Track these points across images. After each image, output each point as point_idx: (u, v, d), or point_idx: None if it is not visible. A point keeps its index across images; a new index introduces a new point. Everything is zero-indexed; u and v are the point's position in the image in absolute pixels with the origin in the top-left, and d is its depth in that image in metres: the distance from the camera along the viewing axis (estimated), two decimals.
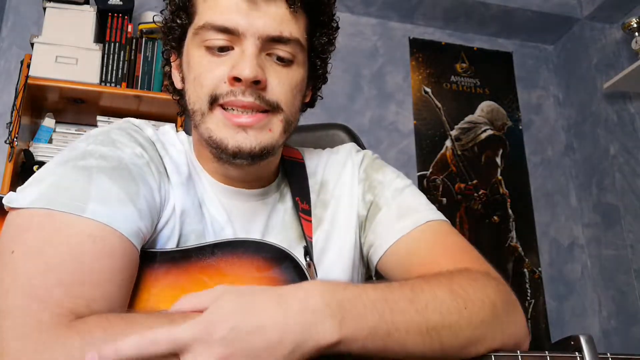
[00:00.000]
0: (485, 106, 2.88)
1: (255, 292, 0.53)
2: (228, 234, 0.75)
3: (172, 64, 0.79)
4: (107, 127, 0.72)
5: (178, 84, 0.77)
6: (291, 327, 0.50)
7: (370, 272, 0.83)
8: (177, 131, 0.81)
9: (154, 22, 2.15)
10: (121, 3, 2.18)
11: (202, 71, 0.70)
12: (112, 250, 0.58)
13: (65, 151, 0.67)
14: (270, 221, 0.79)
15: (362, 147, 1.00)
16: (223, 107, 0.69)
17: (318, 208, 0.82)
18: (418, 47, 2.88)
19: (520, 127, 2.89)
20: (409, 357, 0.56)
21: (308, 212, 0.81)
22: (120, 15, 2.18)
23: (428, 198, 0.82)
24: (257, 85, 0.68)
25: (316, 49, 0.78)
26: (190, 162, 0.77)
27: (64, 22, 2.10)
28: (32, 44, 2.05)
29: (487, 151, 2.80)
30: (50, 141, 2.12)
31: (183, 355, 0.48)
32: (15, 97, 2.00)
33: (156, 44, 2.21)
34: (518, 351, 0.58)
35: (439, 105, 2.81)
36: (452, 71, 2.89)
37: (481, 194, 2.72)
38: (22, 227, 0.57)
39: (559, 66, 3.03)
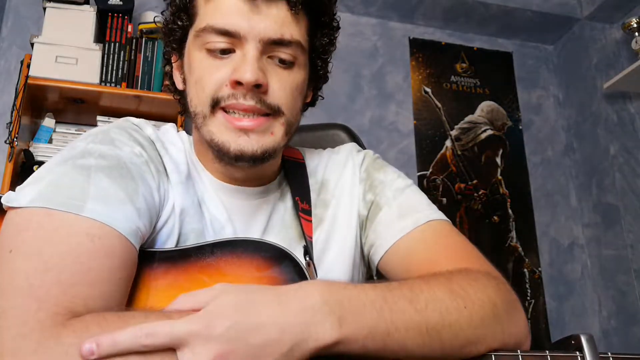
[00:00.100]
0: (485, 106, 2.87)
1: (254, 291, 0.53)
2: (228, 233, 0.74)
3: (173, 64, 0.79)
4: (107, 126, 0.72)
5: (179, 85, 0.77)
6: (290, 325, 0.50)
7: (372, 272, 0.83)
8: (177, 131, 0.81)
9: (154, 22, 2.16)
10: (121, 3, 2.18)
11: (204, 74, 0.70)
12: (111, 250, 0.58)
13: (64, 150, 0.67)
14: (271, 220, 0.79)
15: (362, 147, 1.00)
16: (225, 110, 0.69)
17: (318, 208, 0.82)
18: (418, 47, 2.88)
19: (520, 127, 2.89)
20: (409, 357, 0.55)
21: (308, 212, 0.80)
22: (120, 15, 2.18)
23: (428, 198, 0.82)
24: (258, 89, 0.68)
25: (317, 50, 0.78)
26: (190, 161, 0.77)
27: (64, 22, 2.10)
28: (32, 44, 2.05)
29: (487, 151, 2.80)
30: (50, 141, 2.12)
31: (180, 350, 0.48)
32: (15, 97, 2.00)
33: (156, 44, 2.21)
34: (519, 351, 0.58)
35: (439, 105, 2.81)
36: (452, 71, 2.89)
37: (481, 194, 2.72)
38: (20, 226, 0.57)
39: (559, 66, 3.03)
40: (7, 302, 0.52)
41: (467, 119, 2.83)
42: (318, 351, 0.51)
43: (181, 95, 0.78)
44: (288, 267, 0.62)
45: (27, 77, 1.99)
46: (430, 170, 2.69)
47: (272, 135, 0.71)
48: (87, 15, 2.14)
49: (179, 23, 0.74)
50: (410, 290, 0.58)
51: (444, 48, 2.92)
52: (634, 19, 2.54)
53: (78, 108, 2.16)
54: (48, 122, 2.14)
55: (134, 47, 2.17)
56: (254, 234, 0.77)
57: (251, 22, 0.68)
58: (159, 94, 2.11)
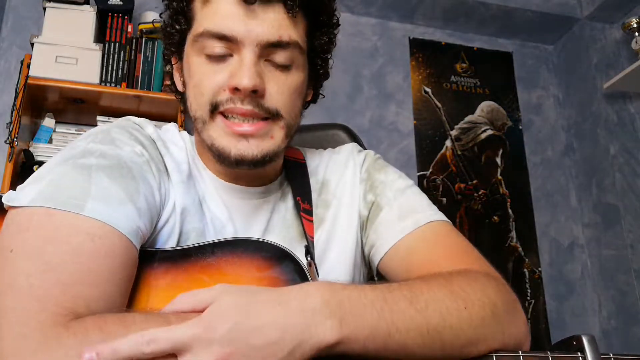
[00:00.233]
0: (485, 106, 2.87)
1: (255, 292, 0.53)
2: (229, 232, 0.74)
3: (173, 65, 0.80)
4: (107, 126, 0.72)
5: (180, 87, 0.78)
6: (291, 326, 0.50)
7: (372, 273, 0.83)
8: (178, 130, 0.81)
9: (153, 24, 2.15)
10: (121, 3, 2.17)
11: (202, 79, 0.70)
12: (111, 249, 0.57)
13: (65, 150, 0.67)
14: (272, 220, 0.79)
15: (363, 147, 1.00)
16: (224, 114, 0.69)
17: (319, 208, 0.82)
18: (418, 47, 2.88)
19: (520, 127, 2.89)
20: (409, 357, 0.55)
21: (309, 212, 0.80)
22: (120, 15, 2.18)
23: (428, 199, 0.82)
24: (256, 94, 0.68)
25: (316, 49, 0.77)
26: (191, 160, 0.77)
27: (64, 22, 2.10)
28: (32, 44, 2.05)
29: (487, 151, 2.80)
30: (50, 141, 2.12)
31: (182, 355, 0.48)
32: (15, 97, 2.00)
33: (156, 44, 2.21)
34: (520, 351, 0.58)
35: (439, 105, 2.81)
36: (452, 71, 2.89)
37: (481, 194, 2.72)
38: (21, 226, 0.57)
39: (559, 66, 3.03)
40: (8, 302, 0.52)
41: (467, 119, 2.82)
42: (319, 352, 0.51)
43: (182, 96, 0.78)
44: (289, 267, 0.62)
45: (27, 77, 1.99)
46: (430, 170, 2.69)
47: (272, 139, 0.71)
48: (87, 15, 2.14)
49: (177, 27, 0.74)
50: (411, 291, 0.58)
51: (444, 48, 2.92)
52: (634, 19, 2.54)
53: (78, 108, 2.16)
54: (48, 122, 2.14)
55: (134, 47, 2.17)
56: (255, 233, 0.77)
57: (248, 26, 0.67)
58: (159, 94, 2.11)
